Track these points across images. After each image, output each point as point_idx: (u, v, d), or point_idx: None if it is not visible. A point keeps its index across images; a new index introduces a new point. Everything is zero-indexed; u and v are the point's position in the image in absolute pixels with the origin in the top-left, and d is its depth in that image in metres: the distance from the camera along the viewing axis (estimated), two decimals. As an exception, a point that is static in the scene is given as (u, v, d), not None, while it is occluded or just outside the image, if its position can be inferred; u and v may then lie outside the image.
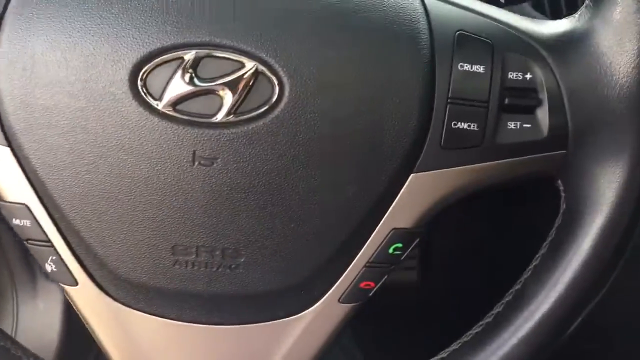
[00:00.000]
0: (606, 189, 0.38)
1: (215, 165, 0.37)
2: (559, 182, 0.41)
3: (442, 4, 0.40)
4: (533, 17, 0.61)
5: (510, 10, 0.59)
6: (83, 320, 0.42)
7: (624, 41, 0.36)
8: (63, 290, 0.41)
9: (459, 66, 0.38)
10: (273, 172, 0.37)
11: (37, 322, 0.82)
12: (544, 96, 0.38)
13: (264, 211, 0.38)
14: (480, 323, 0.42)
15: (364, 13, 0.38)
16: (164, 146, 0.37)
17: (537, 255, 0.42)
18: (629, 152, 0.37)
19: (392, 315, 0.90)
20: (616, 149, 0.38)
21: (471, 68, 0.38)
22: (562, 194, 0.41)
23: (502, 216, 0.80)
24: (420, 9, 0.39)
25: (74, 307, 0.42)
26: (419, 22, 0.38)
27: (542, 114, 0.39)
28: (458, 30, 0.38)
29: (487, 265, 0.80)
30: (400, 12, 0.38)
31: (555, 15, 0.63)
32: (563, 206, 0.41)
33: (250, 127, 0.37)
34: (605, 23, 0.37)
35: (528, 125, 0.39)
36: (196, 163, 0.37)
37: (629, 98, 0.37)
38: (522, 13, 0.61)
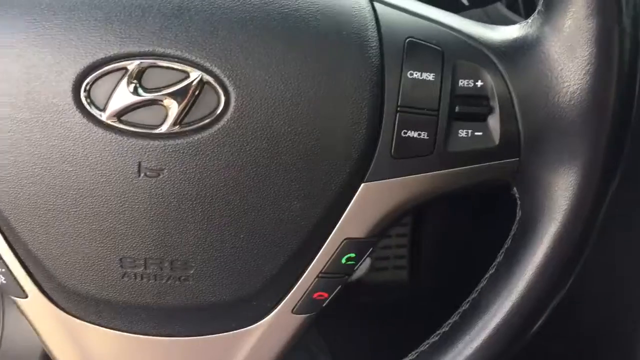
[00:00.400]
0: (560, 197, 0.38)
1: (161, 176, 0.37)
2: (515, 189, 0.40)
3: (392, 10, 0.39)
4: (506, 17, 0.60)
5: (482, 11, 0.59)
6: (35, 333, 0.41)
7: (575, 48, 0.36)
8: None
9: (408, 74, 0.37)
10: (220, 182, 0.37)
11: (24, 326, 0.82)
12: (495, 104, 0.38)
13: (212, 222, 0.38)
14: (437, 332, 0.42)
15: (312, 21, 0.37)
16: (109, 158, 0.36)
17: (494, 264, 0.41)
18: (581, 160, 0.37)
19: (383, 313, 0.90)
20: (569, 157, 0.37)
21: (421, 76, 0.37)
22: (518, 202, 0.41)
23: (490, 217, 0.80)
24: (370, 16, 0.38)
25: (27, 319, 0.41)
26: (368, 30, 0.38)
27: (494, 122, 0.38)
28: (408, 38, 0.38)
29: (476, 265, 0.80)
30: (350, 19, 0.38)
31: (530, 15, 0.63)
32: (519, 214, 0.41)
33: (196, 138, 0.36)
34: (556, 29, 0.36)
35: (479, 133, 0.38)
36: (142, 174, 0.37)
37: (580, 105, 0.36)
38: (495, 14, 0.60)
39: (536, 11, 0.38)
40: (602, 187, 0.37)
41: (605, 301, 0.66)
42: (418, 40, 0.38)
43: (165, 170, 0.37)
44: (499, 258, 0.41)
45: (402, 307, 0.91)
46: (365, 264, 0.78)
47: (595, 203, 0.38)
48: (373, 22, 0.38)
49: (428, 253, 0.95)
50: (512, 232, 0.41)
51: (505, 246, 0.41)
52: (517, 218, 0.41)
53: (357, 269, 0.40)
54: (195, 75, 0.36)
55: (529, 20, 0.39)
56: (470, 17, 0.44)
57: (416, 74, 0.37)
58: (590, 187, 0.37)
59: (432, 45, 0.38)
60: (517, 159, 0.39)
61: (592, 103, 0.36)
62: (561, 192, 0.38)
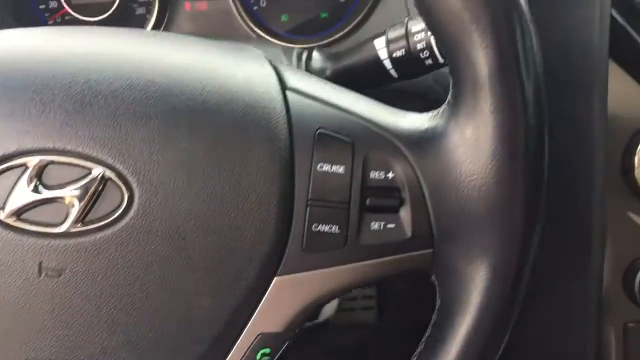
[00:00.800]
0: (474, 290, 0.37)
1: (63, 276, 0.35)
2: (433, 277, 0.40)
3: (304, 100, 0.39)
4: (434, 90, 0.61)
5: (432, 78, 0.59)
6: None
7: (481, 142, 0.36)
8: None
9: (318, 167, 0.37)
10: (125, 281, 0.36)
11: None
12: (406, 195, 0.38)
13: (117, 322, 0.36)
14: None
15: (218, 114, 0.37)
16: (9, 258, 0.35)
17: (415, 353, 0.40)
18: (492, 254, 0.37)
19: (351, 356, 0.88)
20: (480, 250, 0.37)
21: (331, 169, 0.37)
22: (437, 289, 0.40)
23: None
24: (281, 106, 0.38)
25: None
26: (277, 122, 0.37)
27: (406, 214, 0.38)
28: (318, 129, 0.38)
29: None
30: (259, 111, 0.37)
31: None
32: (438, 302, 0.40)
33: (99, 236, 0.35)
34: (464, 123, 0.36)
35: (392, 225, 0.38)
36: (43, 275, 0.35)
37: (488, 199, 0.36)
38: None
39: (446, 102, 0.38)
40: (515, 282, 0.37)
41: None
42: (328, 132, 0.38)
43: (67, 270, 0.35)
44: (420, 347, 0.40)
45: (368, 348, 0.89)
46: (333, 305, 0.77)
47: (509, 297, 0.37)
48: (283, 113, 0.38)
49: (396, 293, 0.94)
50: (432, 320, 0.40)
51: (426, 334, 0.40)
52: (437, 306, 0.40)
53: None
54: (97, 171, 0.35)
55: (440, 111, 0.39)
56: (420, 84, 0.43)
57: (326, 166, 0.37)
58: (504, 282, 0.37)
59: (343, 137, 0.38)
60: (431, 250, 0.38)
61: (500, 199, 0.36)
62: (474, 285, 0.37)
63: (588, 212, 0.58)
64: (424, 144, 0.38)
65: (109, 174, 0.35)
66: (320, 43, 0.71)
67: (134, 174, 0.35)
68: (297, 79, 0.40)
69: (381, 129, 0.38)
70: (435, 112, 0.39)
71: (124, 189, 0.35)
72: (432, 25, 0.37)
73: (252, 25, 0.72)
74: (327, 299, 0.39)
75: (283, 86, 0.39)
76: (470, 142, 0.36)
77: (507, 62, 0.35)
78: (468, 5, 0.34)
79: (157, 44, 0.40)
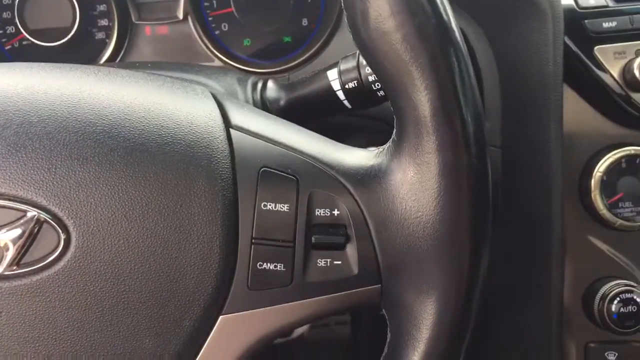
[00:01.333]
0: (421, 324, 0.37)
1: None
2: (384, 311, 0.40)
3: (248, 138, 0.38)
4: (384, 121, 0.61)
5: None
6: None
7: (425, 179, 0.35)
8: None
9: (262, 205, 0.36)
10: (64, 324, 0.35)
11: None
12: (352, 233, 0.37)
13: None
14: None
15: (158, 154, 0.36)
16: None
17: None
18: (439, 290, 0.36)
19: None
20: (427, 285, 0.37)
21: (275, 207, 0.37)
22: (388, 323, 0.40)
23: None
24: (224, 146, 0.37)
25: None
26: (220, 161, 0.37)
27: (352, 251, 0.37)
28: (262, 167, 0.37)
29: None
30: (201, 151, 0.37)
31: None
32: (389, 336, 0.40)
33: (35, 279, 0.34)
34: (408, 160, 0.36)
35: (338, 262, 0.37)
36: None
37: (433, 236, 0.36)
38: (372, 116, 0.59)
39: (391, 139, 0.38)
40: (462, 316, 0.37)
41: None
42: (273, 170, 0.37)
43: (3, 313, 0.34)
44: None
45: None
46: None
47: (457, 331, 0.37)
48: (227, 153, 0.37)
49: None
50: (383, 354, 0.40)
51: None
52: (388, 340, 0.40)
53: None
54: (32, 214, 0.34)
55: (385, 148, 0.38)
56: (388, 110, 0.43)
57: (270, 205, 0.37)
58: (452, 317, 0.37)
59: (287, 175, 0.37)
60: (379, 285, 0.38)
61: (445, 235, 0.35)
62: (422, 320, 0.37)
63: (547, 233, 0.58)
64: (369, 181, 0.38)
65: (45, 216, 0.34)
66: (283, 67, 0.71)
67: (70, 217, 0.34)
68: (241, 116, 0.40)
69: (326, 166, 0.38)
70: (380, 148, 0.39)
71: (60, 231, 0.34)
72: (373, 65, 0.36)
73: (213, 49, 0.71)
74: (274, 337, 0.38)
75: (227, 124, 0.38)
76: (414, 180, 0.36)
77: (448, 102, 0.35)
78: (407, 46, 0.34)
79: (99, 82, 0.40)
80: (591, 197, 0.60)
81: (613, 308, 0.57)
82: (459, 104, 0.34)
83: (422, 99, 0.34)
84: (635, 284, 0.59)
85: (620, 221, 0.60)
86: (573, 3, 0.60)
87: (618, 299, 0.57)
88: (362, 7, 0.35)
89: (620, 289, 0.57)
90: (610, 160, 0.60)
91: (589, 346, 0.61)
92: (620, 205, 0.60)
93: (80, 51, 0.72)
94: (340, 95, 0.51)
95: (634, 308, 0.57)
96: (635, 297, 0.57)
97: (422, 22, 0.34)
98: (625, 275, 0.60)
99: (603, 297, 0.57)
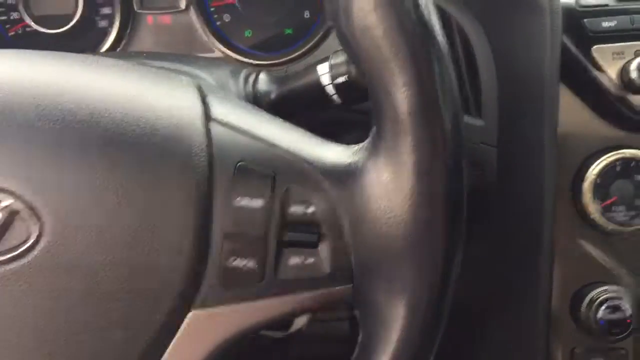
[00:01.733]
0: (392, 327, 0.37)
1: None
2: (356, 312, 0.40)
3: (227, 131, 0.38)
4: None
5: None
6: None
7: (401, 179, 0.35)
8: None
9: (236, 200, 0.37)
10: (35, 314, 0.35)
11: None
12: (326, 231, 0.37)
13: (28, 354, 0.36)
14: None
15: (135, 145, 0.36)
16: None
17: None
18: (410, 291, 0.36)
19: None
20: (399, 287, 0.36)
21: (249, 203, 0.37)
22: (360, 324, 0.40)
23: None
24: (202, 139, 0.37)
25: None
26: (197, 154, 0.37)
27: (325, 249, 0.37)
28: (239, 162, 0.37)
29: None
30: (178, 144, 0.37)
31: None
32: (360, 337, 0.40)
33: (8, 268, 0.35)
34: (383, 159, 0.36)
35: (311, 260, 0.37)
36: None
37: (407, 236, 0.36)
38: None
39: (370, 137, 0.38)
40: (434, 317, 0.37)
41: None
42: (249, 165, 0.37)
43: None
44: None
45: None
46: (304, 316, 0.76)
47: (428, 333, 0.37)
48: (204, 146, 0.37)
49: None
50: (354, 354, 0.40)
51: None
52: (359, 341, 0.40)
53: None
54: (5, 203, 0.35)
55: (363, 145, 0.38)
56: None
57: (244, 200, 0.37)
58: (423, 318, 0.36)
59: (263, 170, 0.37)
60: (351, 285, 0.38)
61: (417, 236, 0.35)
62: (393, 322, 0.37)
63: (537, 235, 0.58)
64: (345, 178, 0.37)
65: (18, 205, 0.35)
66: (284, 59, 0.71)
67: (44, 206, 0.35)
68: (223, 109, 0.40)
69: (304, 162, 0.38)
70: (359, 145, 0.39)
71: (33, 220, 0.35)
72: (355, 60, 0.36)
73: (214, 40, 0.72)
74: (245, 334, 0.38)
75: (207, 117, 0.38)
76: (389, 179, 0.36)
77: (426, 101, 0.34)
78: (387, 41, 0.34)
79: (84, 72, 0.40)
80: (583, 200, 0.59)
81: (600, 314, 0.56)
82: (437, 103, 0.34)
83: (400, 96, 0.34)
84: (623, 290, 0.58)
85: (612, 225, 0.59)
86: (573, 2, 0.59)
87: (605, 305, 0.56)
88: (344, 2, 0.34)
89: (608, 295, 0.56)
90: (605, 162, 0.59)
91: (575, 352, 0.60)
92: (613, 209, 0.59)
93: (82, 39, 0.73)
94: (330, 90, 0.51)
95: (622, 315, 0.56)
96: (622, 304, 0.56)
97: (403, 17, 0.33)
98: (615, 281, 0.60)
99: (591, 303, 0.57)
